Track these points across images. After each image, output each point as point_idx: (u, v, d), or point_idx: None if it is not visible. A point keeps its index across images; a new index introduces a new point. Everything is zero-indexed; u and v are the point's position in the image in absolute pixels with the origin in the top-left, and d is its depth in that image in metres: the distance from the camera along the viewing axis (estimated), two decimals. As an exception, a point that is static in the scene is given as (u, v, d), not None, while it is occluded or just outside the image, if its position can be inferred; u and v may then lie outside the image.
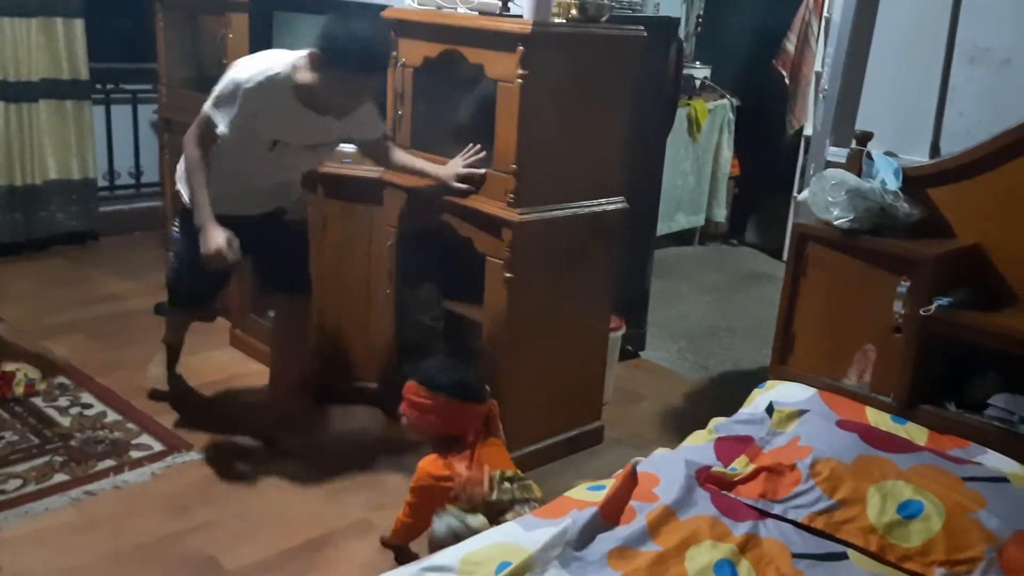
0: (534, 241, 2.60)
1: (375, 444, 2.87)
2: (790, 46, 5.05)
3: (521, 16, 2.57)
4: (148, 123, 4.82)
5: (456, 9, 2.74)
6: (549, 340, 2.75)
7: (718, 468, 1.94)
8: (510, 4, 2.68)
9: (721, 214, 5.46)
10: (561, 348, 2.81)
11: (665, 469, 1.90)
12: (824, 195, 2.38)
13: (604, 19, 2.68)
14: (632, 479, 1.84)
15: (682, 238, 5.38)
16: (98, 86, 4.53)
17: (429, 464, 2.16)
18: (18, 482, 2.44)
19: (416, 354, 3.01)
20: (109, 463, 2.57)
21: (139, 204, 4.84)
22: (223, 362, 3.35)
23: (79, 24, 4.27)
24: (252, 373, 3.28)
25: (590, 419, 2.98)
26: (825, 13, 4.92)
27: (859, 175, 2.42)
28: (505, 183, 2.56)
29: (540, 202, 2.61)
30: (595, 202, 2.75)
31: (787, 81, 5.08)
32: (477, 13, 2.68)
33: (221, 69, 3.67)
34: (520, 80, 2.46)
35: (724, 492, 1.88)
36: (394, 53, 2.83)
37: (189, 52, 3.99)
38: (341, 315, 3.09)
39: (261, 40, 3.38)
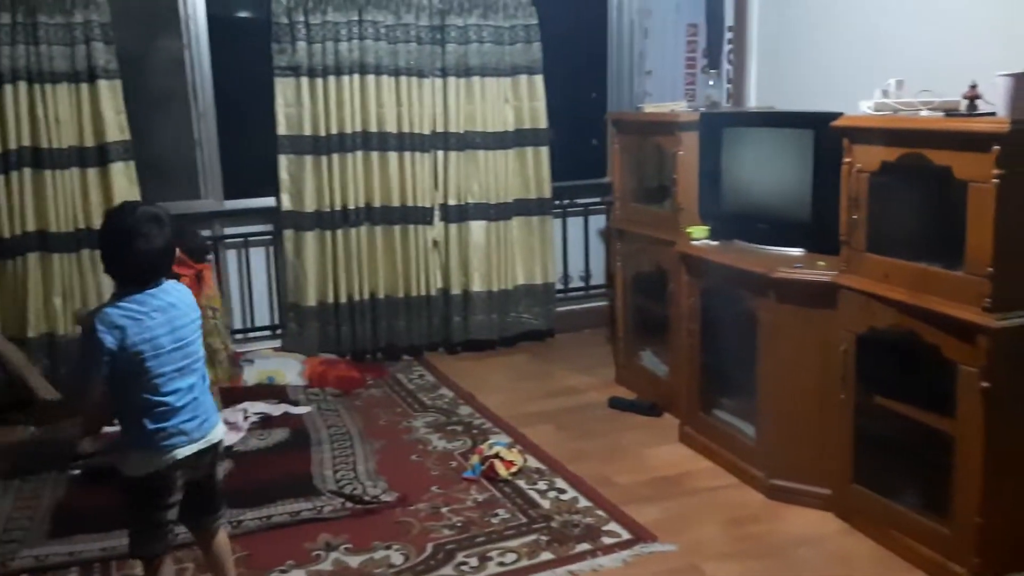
0: (1015, 348, 2.42)
1: (829, 554, 2.82)
2: None
3: (993, 114, 2.48)
4: (596, 232, 5.36)
5: (917, 113, 2.71)
6: (1036, 456, 2.51)
7: None
8: (977, 102, 2.59)
9: None
10: (1051, 465, 2.54)
11: None
12: None
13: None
14: None
15: None
16: (556, 202, 5.15)
17: None
18: (513, 556, 2.81)
19: (874, 462, 2.93)
20: (586, 546, 2.84)
21: (588, 304, 5.37)
22: (674, 458, 3.54)
23: (545, 152, 4.94)
24: (702, 470, 3.42)
25: (1089, 549, 2.62)
26: None
27: None
28: (979, 287, 2.43)
29: (1021, 307, 2.43)
30: (1089, 304, 2.48)
31: None
32: (942, 114, 2.63)
33: (665, 182, 4.06)
34: (996, 180, 2.36)
35: None
36: (847, 159, 2.87)
37: (635, 168, 4.40)
38: (792, 419, 3.12)
39: (710, 155, 3.64)
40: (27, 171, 4.08)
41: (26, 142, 4.06)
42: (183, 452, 2.18)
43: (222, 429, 2.33)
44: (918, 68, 3.01)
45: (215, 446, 2.29)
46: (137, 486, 2.18)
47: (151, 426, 2.14)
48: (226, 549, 2.43)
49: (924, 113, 2.68)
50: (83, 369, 2.13)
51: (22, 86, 4.01)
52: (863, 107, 2.88)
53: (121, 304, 2.12)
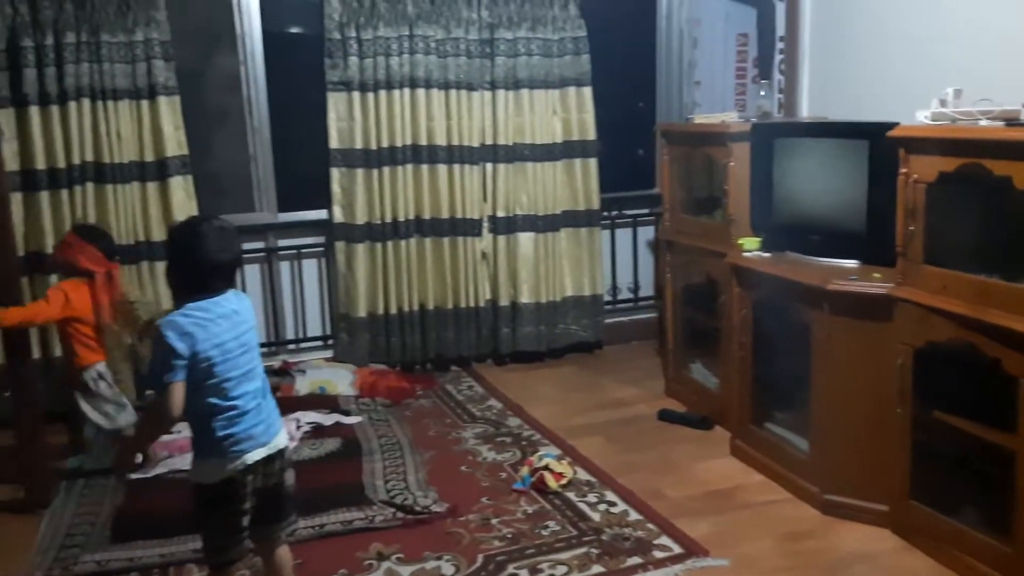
0: (1080, 363, 2.36)
1: (885, 571, 2.78)
2: None
3: (1056, 122, 2.42)
4: (645, 243, 5.34)
5: (976, 122, 2.66)
6: (1103, 474, 2.44)
7: None
8: (1039, 110, 2.54)
9: None
10: (1119, 485, 2.46)
11: None
12: None
13: None
14: None
15: None
16: (605, 213, 5.14)
17: (70, 285, 3.41)
18: (564, 568, 2.80)
19: (932, 478, 2.87)
20: (636, 560, 2.83)
21: (636, 316, 5.36)
22: (725, 472, 3.50)
23: (593, 163, 4.94)
24: (754, 484, 3.38)
25: None
26: None
27: None
28: (1041, 300, 2.38)
29: (1087, 320, 2.37)
30: None
31: None
32: (1002, 124, 2.58)
33: (715, 193, 4.03)
34: (1059, 190, 2.31)
35: None
36: (904, 170, 2.83)
37: (684, 179, 4.37)
38: (846, 433, 3.07)
39: (761, 165, 3.62)
40: (90, 185, 4.20)
41: (89, 157, 4.18)
42: (253, 457, 2.23)
43: (285, 436, 2.37)
44: (976, 77, 2.96)
45: (282, 452, 2.33)
46: (210, 493, 2.23)
47: (220, 432, 2.19)
48: (287, 560, 2.46)
49: (983, 122, 2.63)
50: (163, 378, 2.16)
51: (85, 103, 4.13)
52: (920, 117, 2.83)
53: (187, 312, 2.17)
